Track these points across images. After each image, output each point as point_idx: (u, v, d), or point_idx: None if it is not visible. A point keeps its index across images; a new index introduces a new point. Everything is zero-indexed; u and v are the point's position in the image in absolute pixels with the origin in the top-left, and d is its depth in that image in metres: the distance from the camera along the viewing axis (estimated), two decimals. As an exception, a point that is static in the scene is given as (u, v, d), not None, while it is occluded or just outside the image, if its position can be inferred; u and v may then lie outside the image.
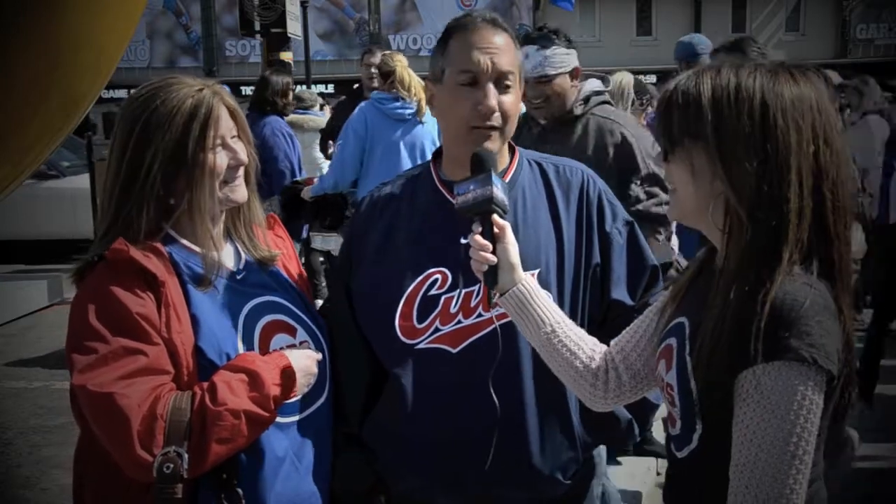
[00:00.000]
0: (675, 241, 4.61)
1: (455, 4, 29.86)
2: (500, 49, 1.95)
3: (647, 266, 2.09)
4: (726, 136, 1.46)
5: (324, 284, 7.03)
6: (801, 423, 1.37)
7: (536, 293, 1.77)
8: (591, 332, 1.85)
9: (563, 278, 1.99)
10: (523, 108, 3.68)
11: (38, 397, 5.82)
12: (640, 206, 3.43)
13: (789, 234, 1.44)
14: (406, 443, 1.99)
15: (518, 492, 1.97)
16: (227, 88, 2.03)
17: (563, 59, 3.45)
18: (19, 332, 7.68)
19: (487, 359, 1.89)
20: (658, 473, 4.62)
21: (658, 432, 4.85)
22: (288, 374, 1.80)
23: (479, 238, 1.75)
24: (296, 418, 1.91)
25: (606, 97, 3.66)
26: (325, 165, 7.62)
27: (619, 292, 2.04)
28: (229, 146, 1.88)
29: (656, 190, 3.45)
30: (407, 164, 5.05)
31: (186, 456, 1.66)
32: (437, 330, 1.96)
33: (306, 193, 5.39)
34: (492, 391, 1.84)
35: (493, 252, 1.75)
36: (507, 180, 1.93)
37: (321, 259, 7.47)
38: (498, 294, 1.77)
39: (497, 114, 1.93)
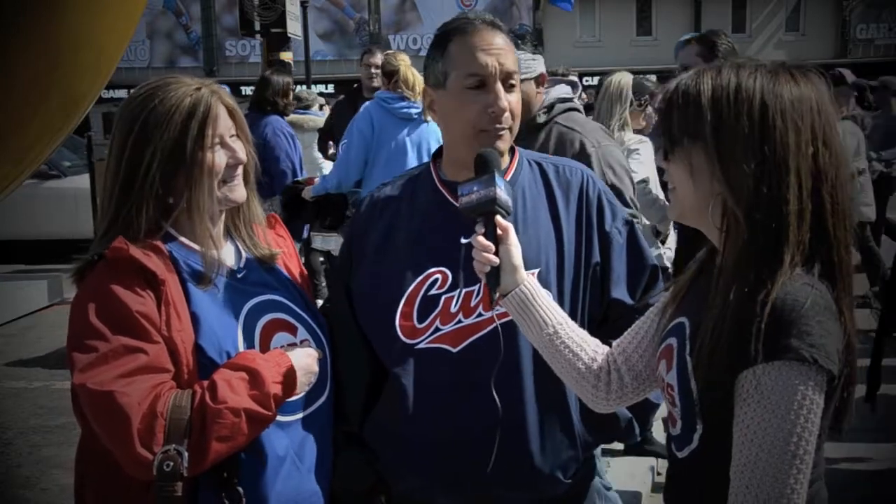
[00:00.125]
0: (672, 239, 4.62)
1: (455, 4, 29.88)
2: (503, 49, 1.96)
3: (647, 265, 2.09)
4: (725, 136, 1.46)
5: (324, 284, 7.02)
6: (802, 423, 1.37)
7: (538, 294, 1.78)
8: (591, 331, 1.85)
9: (562, 278, 1.99)
10: None
11: (38, 397, 5.82)
12: None
13: (790, 235, 1.43)
14: (406, 442, 1.99)
15: (518, 491, 1.97)
16: (226, 88, 2.03)
17: (528, 64, 3.33)
18: (19, 332, 7.68)
19: (488, 358, 1.89)
20: (658, 473, 4.62)
21: (658, 432, 4.85)
22: (289, 373, 1.80)
23: (481, 239, 1.75)
24: (297, 417, 1.91)
25: (575, 104, 3.55)
26: (326, 165, 7.60)
27: (619, 291, 2.04)
28: (228, 145, 1.88)
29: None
30: (413, 163, 5.03)
31: (186, 454, 1.66)
32: (437, 329, 1.96)
33: (307, 193, 5.38)
34: (493, 392, 1.84)
35: (496, 253, 1.75)
36: (507, 180, 1.93)
37: (321, 259, 7.47)
38: (500, 295, 1.77)
39: (507, 114, 1.94)
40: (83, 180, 9.67)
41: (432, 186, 2.06)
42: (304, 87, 13.11)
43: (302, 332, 1.97)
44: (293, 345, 1.93)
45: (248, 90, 16.96)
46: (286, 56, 11.72)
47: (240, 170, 1.91)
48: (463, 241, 1.95)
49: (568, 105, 3.47)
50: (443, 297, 1.96)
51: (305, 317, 2.00)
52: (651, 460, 4.68)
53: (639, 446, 4.58)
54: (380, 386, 2.04)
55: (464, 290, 1.96)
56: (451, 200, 2.01)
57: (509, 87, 1.96)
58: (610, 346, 1.82)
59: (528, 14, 32.08)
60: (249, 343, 1.87)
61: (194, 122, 1.82)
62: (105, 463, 1.75)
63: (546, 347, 1.78)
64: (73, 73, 3.01)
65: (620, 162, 3.35)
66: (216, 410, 1.70)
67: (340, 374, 2.05)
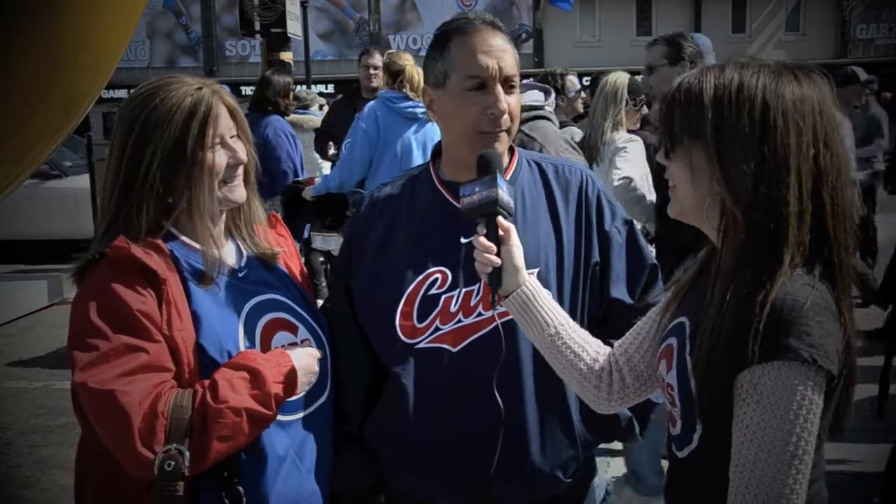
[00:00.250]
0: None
1: (455, 4, 29.88)
2: (503, 51, 1.96)
3: (647, 265, 2.09)
4: (725, 136, 1.46)
5: (324, 284, 7.02)
6: (801, 423, 1.37)
7: (540, 295, 1.78)
8: (590, 331, 1.85)
9: (562, 277, 1.99)
10: None
11: (38, 397, 5.83)
12: None
13: (789, 236, 1.43)
14: (406, 442, 1.99)
15: (519, 491, 1.97)
16: (226, 88, 2.03)
17: None
18: (19, 332, 7.69)
19: (488, 358, 1.89)
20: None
21: (658, 432, 4.84)
22: (290, 373, 1.81)
23: (483, 240, 1.75)
24: (297, 417, 1.91)
25: (544, 112, 3.46)
26: (325, 166, 7.58)
27: (619, 291, 2.04)
28: (228, 145, 1.88)
29: None
30: (420, 162, 5.01)
31: (188, 453, 1.66)
32: (437, 329, 1.96)
33: (307, 193, 5.37)
34: (496, 392, 1.84)
35: (498, 254, 1.75)
36: (506, 179, 1.93)
37: (321, 259, 7.47)
38: (501, 295, 1.77)
39: (506, 116, 1.94)
40: (84, 180, 9.68)
41: (432, 186, 2.07)
42: (304, 87, 13.11)
43: (302, 332, 1.97)
44: (294, 344, 1.93)
45: (248, 90, 16.97)
46: (286, 56, 11.73)
47: (240, 170, 1.91)
48: (463, 240, 1.95)
49: (535, 113, 3.38)
50: (442, 297, 1.96)
51: (306, 316, 2.00)
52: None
53: None
54: (380, 386, 2.04)
55: (463, 290, 1.96)
56: (451, 200, 2.01)
57: (509, 89, 1.96)
58: (611, 346, 1.82)
59: (528, 14, 32.08)
60: (250, 342, 1.87)
61: (195, 121, 1.82)
62: (106, 462, 1.75)
63: (548, 348, 1.78)
64: (73, 73, 3.01)
65: None
66: (217, 410, 1.70)
67: (340, 373, 2.05)
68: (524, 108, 3.24)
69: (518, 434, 1.94)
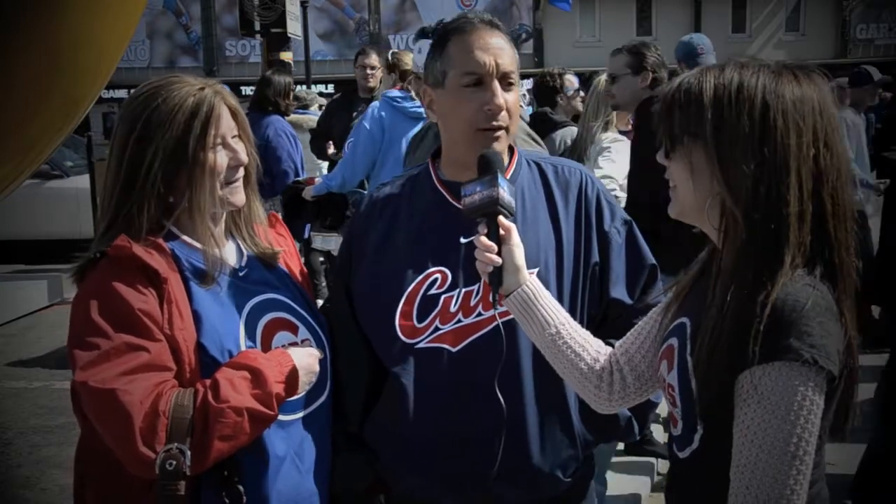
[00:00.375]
0: None
1: (455, 4, 29.87)
2: (500, 48, 1.96)
3: (646, 265, 2.09)
4: (725, 136, 1.46)
5: (324, 284, 7.02)
6: (802, 424, 1.37)
7: (541, 294, 1.78)
8: (589, 331, 1.85)
9: (562, 277, 1.99)
10: None
11: (38, 397, 5.82)
12: None
13: (790, 237, 1.43)
14: (406, 442, 1.99)
15: (518, 490, 1.97)
16: (227, 89, 2.03)
17: None
18: (19, 332, 7.68)
19: (487, 358, 1.89)
20: (658, 474, 4.62)
21: (658, 432, 4.86)
22: (291, 373, 1.81)
23: (484, 239, 1.75)
24: (297, 416, 1.91)
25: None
26: (324, 166, 7.56)
27: (618, 291, 2.04)
28: (230, 146, 1.88)
29: None
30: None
31: (189, 453, 1.66)
32: (436, 329, 1.96)
33: (308, 193, 5.36)
34: (497, 391, 1.84)
35: (499, 253, 1.75)
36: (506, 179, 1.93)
37: (321, 259, 7.46)
38: (502, 294, 1.78)
39: (504, 112, 1.94)
40: (85, 180, 9.67)
41: (431, 186, 2.07)
42: (304, 87, 13.10)
43: (303, 332, 1.97)
44: (294, 344, 1.93)
45: (248, 90, 16.96)
46: (286, 56, 11.73)
47: (241, 171, 1.91)
48: (462, 240, 1.95)
49: None
50: (442, 297, 1.96)
51: (306, 316, 2.01)
52: (651, 460, 4.68)
53: (638, 446, 4.58)
54: (380, 386, 2.04)
55: (463, 290, 1.96)
56: (451, 200, 2.01)
57: (507, 86, 1.96)
58: (612, 346, 1.82)
59: (528, 14, 32.09)
60: (251, 342, 1.87)
61: (197, 121, 1.82)
62: (106, 462, 1.75)
63: (548, 347, 1.78)
64: (73, 73, 3.01)
65: None
66: (219, 409, 1.70)
67: (340, 373, 2.05)
68: None
69: (518, 434, 1.94)
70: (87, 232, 7.89)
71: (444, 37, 2.01)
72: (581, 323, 1.89)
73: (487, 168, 1.81)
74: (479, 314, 1.94)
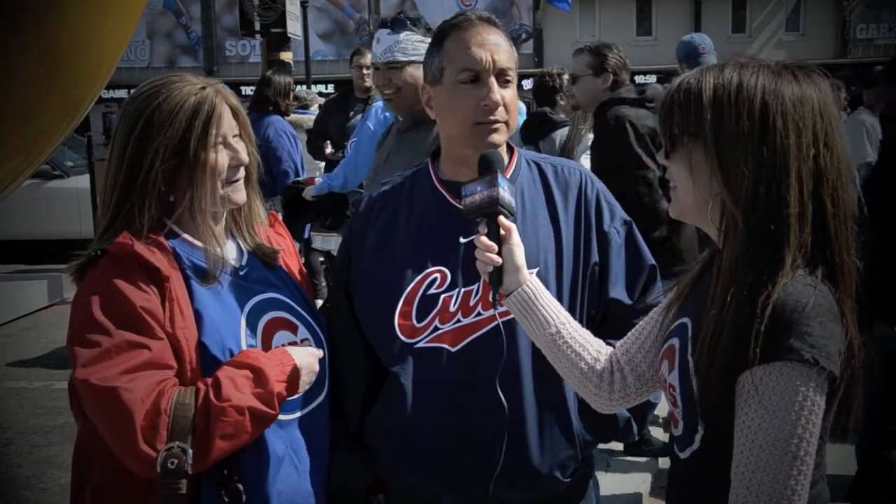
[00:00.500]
0: None
1: (455, 4, 29.85)
2: (497, 45, 1.97)
3: (646, 265, 2.09)
4: (725, 137, 1.46)
5: (324, 284, 7.01)
6: (803, 424, 1.37)
7: (541, 294, 1.78)
8: (589, 331, 1.85)
9: (561, 277, 1.99)
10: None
11: (38, 397, 5.82)
12: None
13: (791, 237, 1.43)
14: (405, 441, 1.99)
15: (517, 490, 1.97)
16: (227, 88, 2.03)
17: (416, 46, 3.10)
18: (19, 332, 7.68)
19: (487, 358, 1.89)
20: (659, 474, 4.62)
21: (657, 433, 4.86)
22: (293, 372, 1.81)
23: (484, 239, 1.75)
24: (296, 416, 1.91)
25: None
26: (322, 166, 7.54)
27: (618, 291, 2.04)
28: (231, 145, 1.88)
29: None
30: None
31: (191, 451, 1.66)
32: (436, 329, 1.96)
33: (308, 193, 5.35)
34: (499, 391, 1.84)
35: (499, 253, 1.75)
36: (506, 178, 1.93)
37: (321, 259, 7.45)
38: (504, 295, 1.78)
39: (501, 108, 1.94)
40: (86, 180, 9.68)
41: (431, 186, 2.07)
42: (304, 87, 13.10)
43: (302, 331, 1.98)
44: (294, 343, 1.93)
45: (248, 90, 16.95)
46: (286, 56, 11.72)
47: (241, 170, 1.92)
48: (462, 240, 1.95)
49: None
50: (441, 297, 1.96)
51: (306, 315, 2.01)
52: (651, 460, 4.68)
53: (637, 446, 4.58)
54: (379, 386, 2.04)
55: (462, 290, 1.96)
56: (450, 199, 2.01)
57: (504, 83, 1.97)
58: (612, 346, 1.82)
59: (527, 14, 32.08)
60: (252, 341, 1.87)
61: (198, 121, 1.82)
62: (104, 460, 1.75)
63: (549, 347, 1.78)
64: (73, 73, 3.01)
65: None
66: (220, 408, 1.70)
67: (339, 373, 2.05)
68: None
69: (517, 434, 1.94)
70: (88, 232, 7.88)
71: (442, 34, 2.02)
72: (580, 323, 1.89)
73: (488, 168, 1.81)
74: (479, 314, 1.95)
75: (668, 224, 4.01)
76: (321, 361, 1.94)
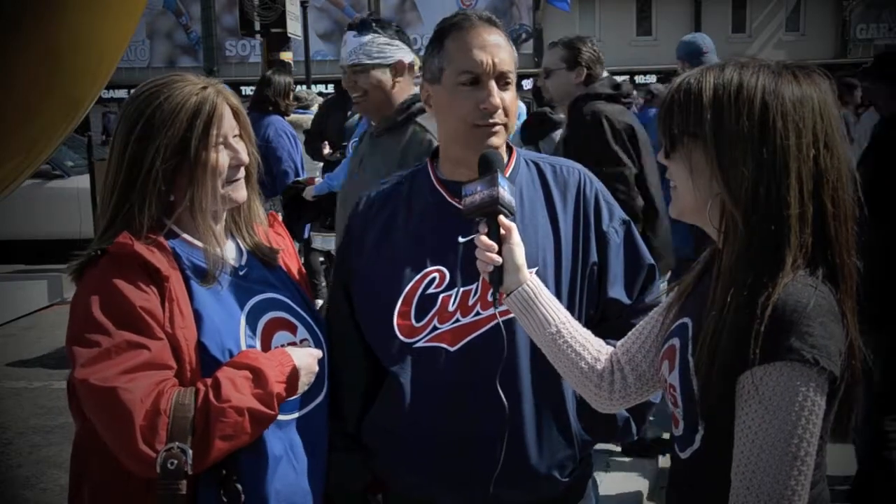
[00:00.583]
0: None
1: (455, 4, 29.87)
2: (498, 47, 1.97)
3: (644, 265, 2.09)
4: (724, 137, 1.46)
5: (324, 284, 7.01)
6: (803, 425, 1.37)
7: (542, 293, 1.78)
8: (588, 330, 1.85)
9: (560, 277, 1.99)
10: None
11: (38, 397, 5.82)
12: None
13: (791, 238, 1.43)
14: (404, 441, 1.99)
15: (516, 490, 1.97)
16: (228, 88, 2.03)
17: (382, 48, 3.04)
18: (19, 332, 7.68)
19: (486, 357, 1.89)
20: (659, 474, 4.61)
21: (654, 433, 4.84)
22: (292, 373, 1.81)
23: (485, 239, 1.75)
24: (294, 416, 1.91)
25: None
26: (320, 166, 7.53)
27: (616, 291, 2.04)
28: (231, 145, 1.88)
29: None
30: None
31: (190, 452, 1.66)
32: (435, 328, 1.96)
33: (308, 193, 5.35)
34: (499, 390, 1.84)
35: (499, 252, 1.75)
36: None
37: (321, 259, 7.45)
38: (504, 294, 1.78)
39: (500, 111, 1.94)
40: (86, 180, 9.68)
41: (429, 186, 2.07)
42: (304, 87, 13.10)
43: (301, 332, 1.98)
44: (293, 344, 1.93)
45: (248, 90, 16.96)
46: (286, 56, 11.71)
47: (242, 171, 1.92)
48: (461, 239, 1.95)
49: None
50: (440, 296, 1.96)
51: (305, 316, 2.01)
52: (651, 461, 4.68)
53: (634, 447, 4.56)
54: (377, 386, 2.04)
55: (461, 289, 1.96)
56: (449, 199, 2.01)
57: (504, 85, 1.97)
58: (613, 346, 1.81)
59: (527, 14, 32.10)
60: (252, 341, 1.87)
61: (199, 120, 1.82)
62: (103, 460, 1.75)
63: (549, 346, 1.78)
64: (72, 73, 3.02)
65: None
66: (220, 409, 1.70)
67: (338, 373, 2.05)
68: (414, 99, 3.00)
69: (516, 433, 1.94)
70: (88, 232, 7.88)
71: (442, 32, 2.01)
72: (579, 322, 1.89)
73: (488, 167, 1.81)
74: (478, 313, 1.95)
75: (644, 221, 4.01)
76: (320, 362, 1.93)
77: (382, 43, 3.06)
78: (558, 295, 1.96)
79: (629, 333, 1.80)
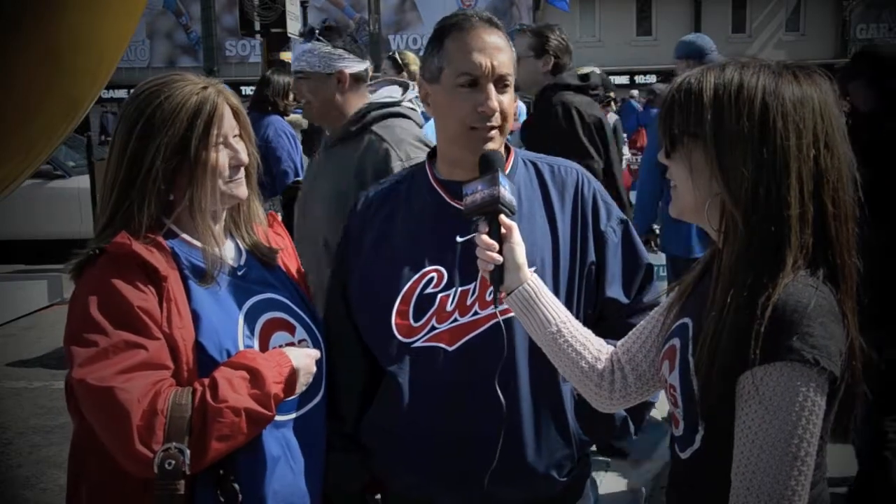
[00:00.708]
0: None
1: (455, 4, 29.87)
2: (498, 49, 1.96)
3: (642, 265, 2.10)
4: (724, 137, 1.46)
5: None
6: (803, 425, 1.37)
7: (543, 292, 1.78)
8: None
9: (558, 277, 1.99)
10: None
11: (38, 397, 5.83)
12: None
13: (792, 238, 1.43)
14: (402, 441, 1.99)
15: (514, 490, 1.97)
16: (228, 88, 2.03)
17: (323, 58, 2.93)
18: (19, 332, 7.69)
19: (484, 357, 1.89)
20: (659, 474, 4.61)
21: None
22: (290, 374, 1.80)
23: (485, 238, 1.75)
24: (292, 416, 1.91)
25: (399, 109, 2.96)
26: None
27: (614, 290, 2.05)
28: (231, 145, 1.88)
29: None
30: None
31: (188, 452, 1.66)
32: (433, 328, 1.96)
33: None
34: (498, 390, 1.84)
35: (500, 252, 1.75)
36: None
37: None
38: (504, 293, 1.78)
39: (497, 114, 1.94)
40: (87, 180, 9.67)
41: (428, 185, 2.07)
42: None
43: (300, 332, 1.98)
44: (291, 344, 1.93)
45: (248, 90, 16.96)
46: (286, 56, 11.68)
47: (241, 170, 1.92)
48: (459, 239, 1.95)
49: (387, 111, 2.92)
50: (438, 296, 1.96)
51: (303, 316, 2.01)
52: (650, 462, 4.68)
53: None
54: (375, 387, 2.04)
55: (459, 289, 1.96)
56: (447, 199, 2.01)
57: (502, 88, 1.97)
58: (613, 345, 1.82)
59: (528, 14, 32.11)
60: (250, 341, 1.87)
61: (199, 120, 1.82)
62: (100, 460, 1.75)
63: (549, 346, 1.78)
64: (73, 73, 3.02)
65: None
66: (217, 409, 1.69)
67: (336, 373, 2.05)
68: (376, 106, 2.94)
69: (514, 433, 1.94)
70: (89, 232, 7.80)
71: (442, 32, 2.01)
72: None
73: (488, 167, 1.81)
74: (476, 313, 1.95)
75: None
76: (318, 362, 1.93)
77: (324, 52, 2.96)
78: (556, 294, 1.95)
79: (630, 333, 1.80)
